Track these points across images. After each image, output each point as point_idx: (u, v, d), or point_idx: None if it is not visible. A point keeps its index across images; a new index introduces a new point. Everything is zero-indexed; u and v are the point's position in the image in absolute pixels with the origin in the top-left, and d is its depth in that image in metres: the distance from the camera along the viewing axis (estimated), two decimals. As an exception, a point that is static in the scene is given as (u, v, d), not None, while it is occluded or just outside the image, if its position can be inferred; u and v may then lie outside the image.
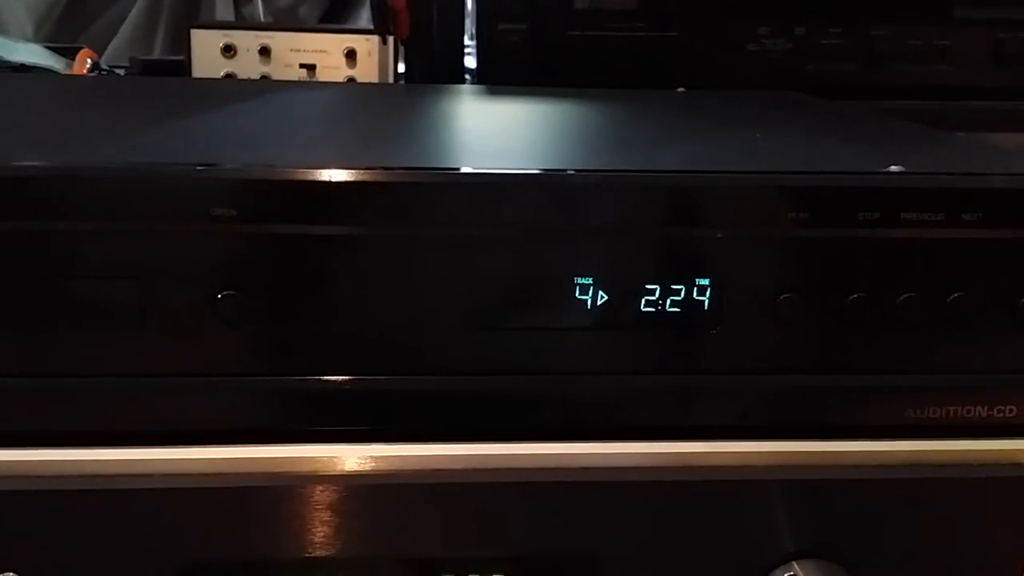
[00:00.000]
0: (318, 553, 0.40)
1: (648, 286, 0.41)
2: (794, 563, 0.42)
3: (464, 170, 0.40)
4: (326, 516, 0.40)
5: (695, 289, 0.41)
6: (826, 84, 0.81)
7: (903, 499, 0.42)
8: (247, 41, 0.87)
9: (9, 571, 0.39)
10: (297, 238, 0.39)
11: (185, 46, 0.87)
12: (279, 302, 0.39)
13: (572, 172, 0.40)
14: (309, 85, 0.82)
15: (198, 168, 0.38)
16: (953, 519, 0.42)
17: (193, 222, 0.38)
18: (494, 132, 0.57)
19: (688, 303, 0.41)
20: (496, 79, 0.81)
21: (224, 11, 1.32)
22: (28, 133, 0.48)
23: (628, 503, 0.41)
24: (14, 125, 0.51)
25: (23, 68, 0.89)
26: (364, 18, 1.33)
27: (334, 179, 0.38)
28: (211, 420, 0.40)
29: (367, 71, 0.88)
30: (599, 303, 0.41)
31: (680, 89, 0.75)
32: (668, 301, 0.41)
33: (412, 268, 0.40)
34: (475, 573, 0.41)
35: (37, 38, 1.37)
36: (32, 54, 0.89)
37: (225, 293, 0.38)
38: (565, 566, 0.42)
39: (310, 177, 0.38)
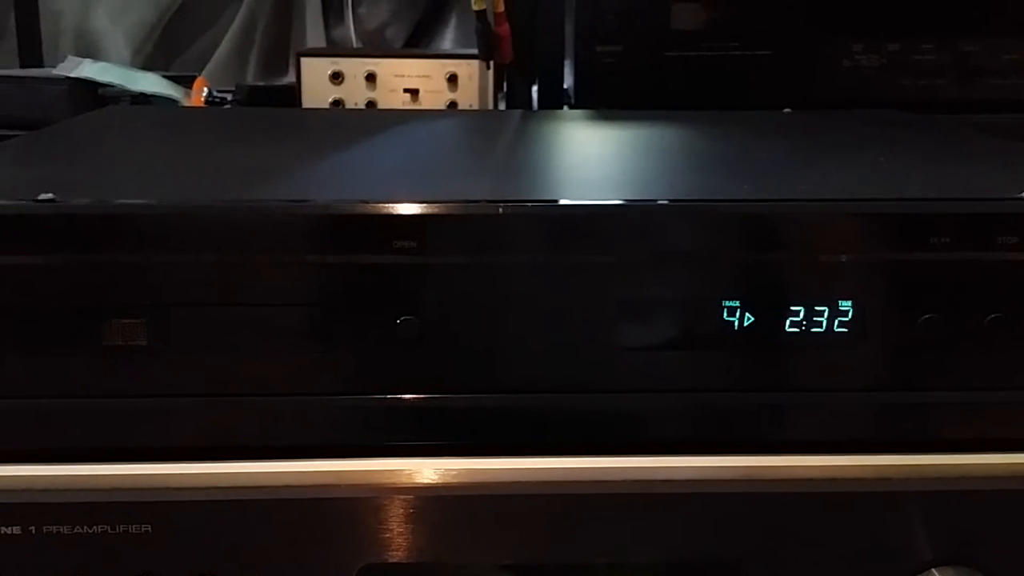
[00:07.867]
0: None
1: (793, 308, 0.43)
2: (933, 570, 0.44)
3: (614, 201, 0.43)
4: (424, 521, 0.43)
5: (838, 310, 0.43)
6: (920, 99, 0.82)
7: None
8: (354, 68, 0.91)
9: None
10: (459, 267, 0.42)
11: (295, 72, 0.92)
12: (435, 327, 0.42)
13: (720, 201, 0.43)
14: (437, 114, 0.85)
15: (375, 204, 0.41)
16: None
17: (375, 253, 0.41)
18: (624, 159, 0.59)
19: (831, 323, 0.43)
20: (593, 101, 0.83)
21: (315, 35, 1.36)
22: (202, 169, 0.52)
23: (771, 513, 0.44)
24: (182, 160, 0.55)
25: (143, 97, 0.94)
26: (448, 38, 1.37)
27: (511, 212, 0.41)
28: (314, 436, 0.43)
29: (468, 95, 0.91)
30: (746, 324, 0.43)
31: (786, 109, 0.77)
32: (811, 321, 0.43)
33: (574, 291, 0.43)
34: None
35: (134, 63, 1.43)
36: (152, 83, 0.94)
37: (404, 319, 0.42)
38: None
39: (484, 212, 0.41)
